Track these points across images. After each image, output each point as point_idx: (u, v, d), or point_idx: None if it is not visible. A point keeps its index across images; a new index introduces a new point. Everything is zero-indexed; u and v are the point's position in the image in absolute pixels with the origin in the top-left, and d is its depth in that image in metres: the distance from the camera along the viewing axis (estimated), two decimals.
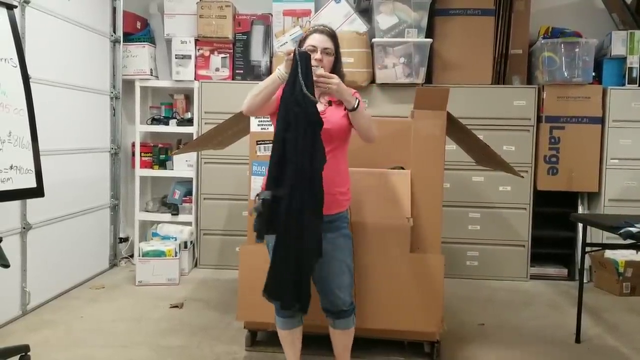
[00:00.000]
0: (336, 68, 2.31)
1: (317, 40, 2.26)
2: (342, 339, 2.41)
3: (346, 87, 2.17)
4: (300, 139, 2.03)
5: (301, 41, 2.32)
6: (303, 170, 2.03)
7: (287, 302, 2.17)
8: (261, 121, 2.82)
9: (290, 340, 2.42)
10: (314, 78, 2.09)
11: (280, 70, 2.13)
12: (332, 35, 2.31)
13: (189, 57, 4.49)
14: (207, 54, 4.51)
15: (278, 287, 2.11)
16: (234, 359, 2.80)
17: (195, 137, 4.46)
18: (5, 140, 2.49)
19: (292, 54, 2.06)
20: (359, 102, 2.18)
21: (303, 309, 2.16)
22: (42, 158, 2.70)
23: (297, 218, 2.05)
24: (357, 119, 2.20)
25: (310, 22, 4.42)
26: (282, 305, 2.20)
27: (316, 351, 2.72)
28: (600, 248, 3.86)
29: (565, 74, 4.16)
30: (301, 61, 2.04)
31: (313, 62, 2.14)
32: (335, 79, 2.13)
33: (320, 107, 2.24)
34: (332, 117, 2.23)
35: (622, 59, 4.26)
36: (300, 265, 2.10)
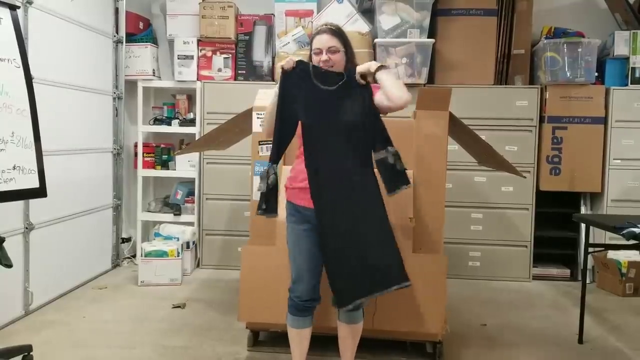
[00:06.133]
0: (348, 63, 2.32)
1: (321, 42, 2.28)
2: (347, 333, 2.42)
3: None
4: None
5: (310, 46, 2.36)
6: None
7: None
8: (263, 121, 2.81)
9: (299, 339, 2.41)
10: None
11: (277, 90, 2.24)
12: (336, 32, 2.31)
13: (192, 57, 4.50)
14: (209, 54, 4.52)
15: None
16: (236, 359, 2.80)
17: (197, 137, 4.47)
18: (8, 141, 2.49)
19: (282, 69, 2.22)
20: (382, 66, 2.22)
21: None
22: (44, 158, 2.70)
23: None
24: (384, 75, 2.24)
25: (312, 22, 4.43)
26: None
27: (320, 352, 2.72)
28: (603, 248, 3.86)
29: (568, 74, 4.15)
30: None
31: (322, 58, 2.26)
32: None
33: None
34: None
35: (625, 59, 4.25)
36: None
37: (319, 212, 2.19)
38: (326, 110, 2.21)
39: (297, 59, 2.23)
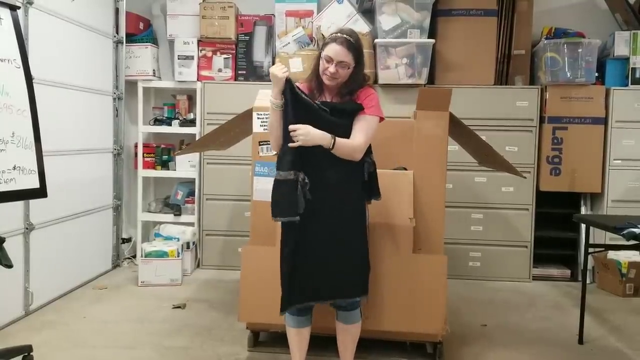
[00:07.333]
0: (352, 79, 2.29)
1: (335, 52, 2.21)
2: (345, 333, 2.43)
3: (319, 132, 2.16)
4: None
5: (322, 46, 2.30)
6: None
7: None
8: (263, 122, 2.82)
9: (298, 339, 2.42)
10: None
11: (271, 99, 2.23)
12: (353, 47, 2.23)
13: (192, 57, 4.50)
14: (209, 54, 4.52)
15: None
16: (236, 359, 2.80)
17: (197, 137, 4.47)
18: (9, 141, 2.49)
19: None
20: (334, 142, 2.17)
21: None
22: (45, 159, 2.70)
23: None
24: (334, 152, 2.21)
25: (312, 22, 4.43)
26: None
27: (320, 352, 2.72)
28: (603, 249, 3.86)
29: (568, 74, 4.15)
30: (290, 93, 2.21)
31: (330, 70, 2.22)
32: (301, 130, 2.14)
33: None
34: None
35: (625, 60, 4.25)
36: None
37: (303, 217, 2.21)
38: (313, 117, 2.19)
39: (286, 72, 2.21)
